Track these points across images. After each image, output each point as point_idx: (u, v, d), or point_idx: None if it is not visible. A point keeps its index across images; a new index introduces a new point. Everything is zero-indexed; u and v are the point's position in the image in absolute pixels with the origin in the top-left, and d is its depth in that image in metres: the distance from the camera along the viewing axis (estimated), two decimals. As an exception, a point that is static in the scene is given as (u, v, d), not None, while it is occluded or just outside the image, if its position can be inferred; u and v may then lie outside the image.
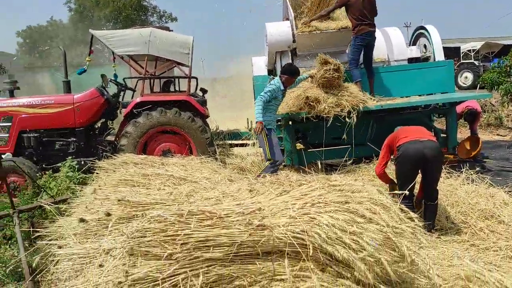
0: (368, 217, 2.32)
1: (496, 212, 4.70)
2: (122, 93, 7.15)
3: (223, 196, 3.42)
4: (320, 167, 5.02)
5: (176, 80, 8.28)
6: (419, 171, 4.50)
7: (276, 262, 2.25)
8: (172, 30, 10.55)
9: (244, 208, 2.36)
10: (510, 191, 5.25)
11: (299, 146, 7.55)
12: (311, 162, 6.49)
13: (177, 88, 8.21)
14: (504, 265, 3.57)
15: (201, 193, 3.56)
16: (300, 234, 2.24)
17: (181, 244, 2.09)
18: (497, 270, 3.11)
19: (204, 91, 7.71)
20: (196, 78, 7.53)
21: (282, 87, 5.79)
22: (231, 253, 2.13)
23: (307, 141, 7.35)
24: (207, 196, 3.43)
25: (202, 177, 4.52)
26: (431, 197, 4.51)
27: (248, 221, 2.24)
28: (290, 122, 6.82)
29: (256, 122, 5.52)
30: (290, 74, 5.83)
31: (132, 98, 7.10)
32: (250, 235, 2.20)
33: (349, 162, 6.32)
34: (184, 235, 2.12)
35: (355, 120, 6.03)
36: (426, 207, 4.55)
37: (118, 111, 7.16)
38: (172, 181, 4.40)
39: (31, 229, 4.22)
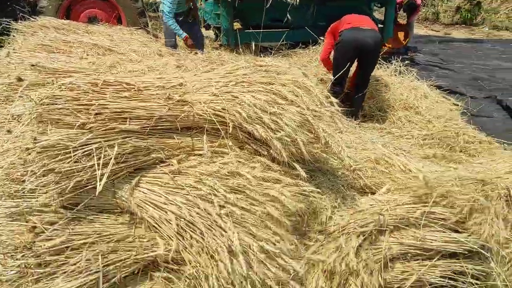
0: (290, 99, 2.34)
1: (415, 103, 4.96)
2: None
3: (148, 70, 3.29)
4: (254, 48, 4.93)
5: None
6: (356, 60, 4.55)
7: (195, 138, 2.26)
8: None
9: (166, 82, 2.28)
10: (431, 85, 5.54)
11: (237, 25, 7.28)
12: (247, 43, 6.33)
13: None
14: (413, 151, 3.88)
15: (126, 65, 3.39)
16: (221, 112, 2.22)
17: (95, 114, 2.01)
18: (405, 155, 3.38)
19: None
20: None
21: None
22: (148, 127, 2.10)
23: (246, 21, 7.07)
24: (131, 69, 3.27)
25: (130, 49, 4.26)
26: (362, 87, 4.65)
27: (169, 96, 2.18)
28: (229, -1, 6.47)
29: (182, 39, 5.37)
30: None
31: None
32: (169, 109, 2.15)
33: (286, 46, 6.25)
34: (98, 105, 2.03)
35: (297, 2, 5.82)
36: (356, 98, 4.70)
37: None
38: (96, 51, 4.12)
39: None
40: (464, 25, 11.77)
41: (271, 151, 2.25)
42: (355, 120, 4.53)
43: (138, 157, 2.11)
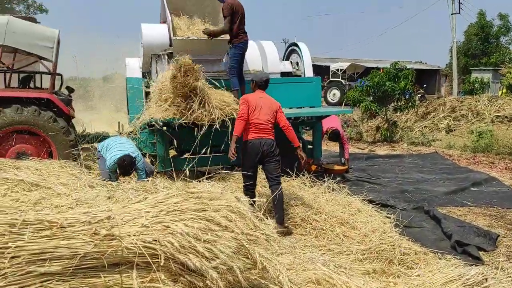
0: (224, 225, 2.31)
1: (351, 218, 5.09)
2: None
3: (76, 204, 3.15)
4: (188, 174, 4.96)
5: (40, 76, 7.56)
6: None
7: (124, 274, 2.11)
8: (39, 22, 9.68)
9: (92, 217, 2.18)
10: (364, 199, 5.77)
11: (173, 152, 7.40)
12: (182, 169, 6.38)
13: (42, 86, 7.49)
14: (354, 267, 3.86)
15: (52, 201, 3.24)
16: (152, 243, 2.13)
17: (11, 257, 1.84)
18: (345, 273, 3.35)
19: (70, 89, 7.17)
20: (61, 75, 6.95)
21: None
22: (71, 267, 1.94)
23: (181, 148, 7.24)
24: (58, 204, 3.12)
25: (58, 183, 4.12)
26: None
27: (95, 231, 2.07)
28: (164, 128, 6.65)
29: None
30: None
31: (-18, 93, 6.28)
32: (95, 245, 2.03)
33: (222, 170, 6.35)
34: (15, 247, 1.87)
35: (230, 128, 6.09)
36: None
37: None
38: (22, 187, 3.93)
39: None
40: (385, 142, 12.80)
41: (207, 281, 2.14)
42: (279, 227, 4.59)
43: (59, 302, 1.91)
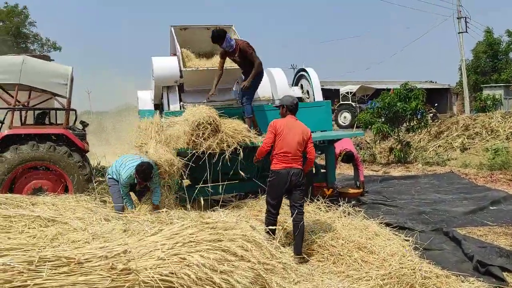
0: (240, 255, 2.29)
1: (368, 243, 5.00)
2: (-13, 126, 6.47)
3: (92, 238, 3.17)
4: (203, 203, 4.96)
5: (55, 112, 7.73)
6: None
7: (142, 309, 2.09)
8: (53, 60, 9.94)
9: (108, 251, 2.18)
10: (381, 223, 5.68)
11: (187, 182, 7.41)
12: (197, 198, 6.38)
13: (57, 122, 7.64)
14: (374, 293, 3.77)
15: (69, 236, 3.26)
16: (168, 276, 2.12)
17: (29, 296, 1.84)
18: (366, 300, 3.27)
19: (84, 124, 7.28)
20: (75, 110, 7.10)
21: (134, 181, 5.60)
22: (89, 303, 1.93)
23: (194, 177, 7.24)
24: (74, 239, 3.15)
25: (75, 217, 4.16)
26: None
27: (112, 266, 2.07)
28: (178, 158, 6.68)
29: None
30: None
31: (-1, 131, 6.45)
32: (112, 280, 2.02)
33: (236, 198, 6.35)
34: (34, 285, 1.88)
35: (242, 156, 6.11)
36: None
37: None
38: (39, 223, 3.97)
39: None
40: (399, 163, 12.67)
41: (225, 313, 2.11)
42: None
43: None
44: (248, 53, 6.48)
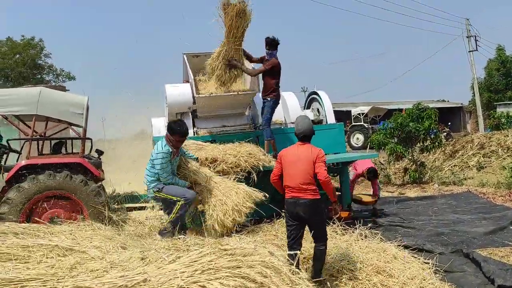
0: (260, 281, 2.27)
1: (387, 266, 4.92)
2: (5, 156, 6.58)
3: (111, 267, 3.17)
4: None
5: (71, 141, 7.86)
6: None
7: (162, 338, 2.08)
8: (68, 90, 10.16)
9: (128, 281, 2.19)
10: (399, 245, 5.59)
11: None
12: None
13: (73, 150, 7.77)
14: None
15: (87, 265, 3.27)
16: (188, 304, 2.11)
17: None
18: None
19: (100, 152, 7.38)
20: (91, 139, 7.20)
21: (170, 150, 5.57)
22: (110, 333, 1.93)
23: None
24: (92, 268, 3.15)
25: (92, 246, 4.17)
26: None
27: (132, 295, 2.07)
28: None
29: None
30: (169, 132, 5.60)
31: (17, 161, 6.56)
32: (133, 310, 2.02)
33: (251, 223, 6.32)
34: (55, 316, 1.88)
35: (255, 179, 6.12)
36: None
37: (1, 175, 6.53)
38: (57, 252, 3.99)
39: None
40: (415, 184, 12.51)
41: None
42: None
43: None
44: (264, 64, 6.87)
